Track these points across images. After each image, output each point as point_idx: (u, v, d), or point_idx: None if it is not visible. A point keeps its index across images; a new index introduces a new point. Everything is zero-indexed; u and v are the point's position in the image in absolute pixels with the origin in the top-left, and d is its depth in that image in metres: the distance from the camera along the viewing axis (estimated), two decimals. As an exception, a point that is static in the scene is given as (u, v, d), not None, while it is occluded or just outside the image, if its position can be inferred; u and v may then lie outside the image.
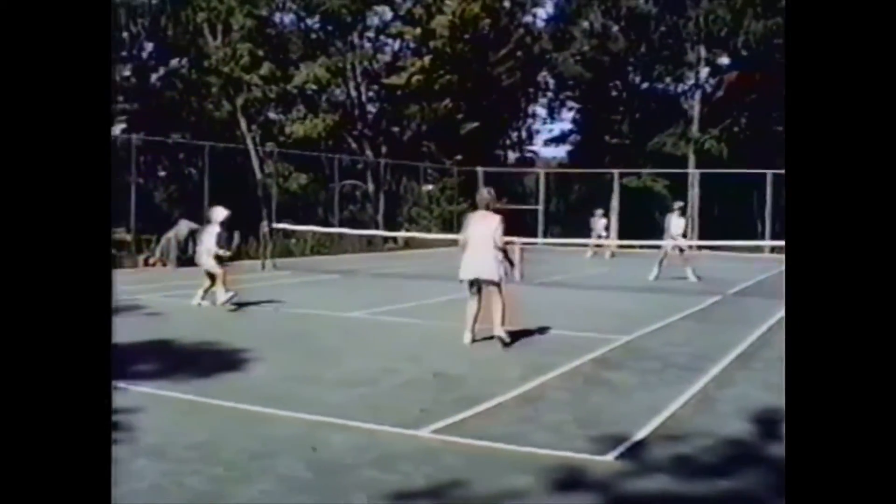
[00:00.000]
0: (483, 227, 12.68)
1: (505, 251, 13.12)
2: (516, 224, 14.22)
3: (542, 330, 14.04)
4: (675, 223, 24.74)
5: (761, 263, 31.97)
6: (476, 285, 12.78)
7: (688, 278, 23.74)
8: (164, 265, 28.01)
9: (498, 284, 12.72)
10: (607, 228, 37.97)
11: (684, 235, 25.47)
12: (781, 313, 16.85)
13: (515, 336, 12.94)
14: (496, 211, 13.00)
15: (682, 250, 24.73)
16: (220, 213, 17.12)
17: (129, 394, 8.82)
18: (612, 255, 35.30)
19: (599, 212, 36.80)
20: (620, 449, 7.19)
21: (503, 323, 12.67)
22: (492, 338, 12.74)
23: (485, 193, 13.35)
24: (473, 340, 12.67)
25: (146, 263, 28.32)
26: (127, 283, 20.06)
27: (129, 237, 30.14)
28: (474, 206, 13.71)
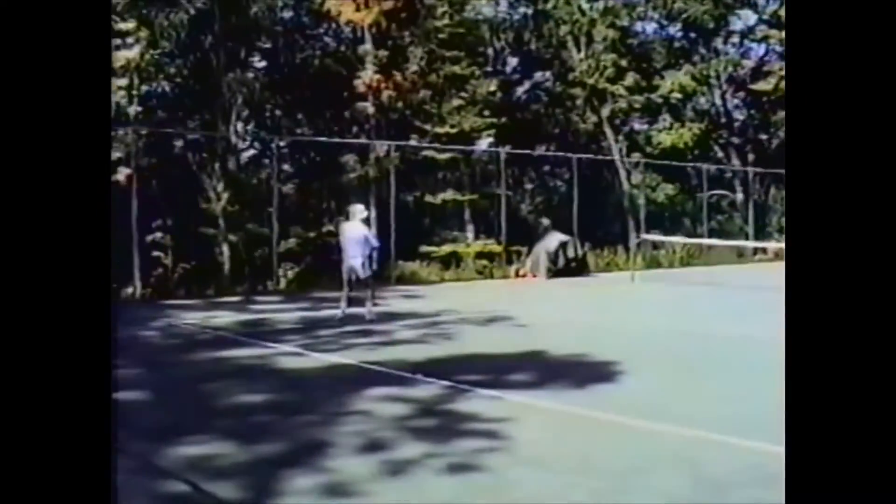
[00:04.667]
0: None
1: None
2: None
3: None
4: None
5: None
6: None
7: None
8: (535, 276, 28.42)
9: None
10: None
11: None
12: None
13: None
14: None
15: None
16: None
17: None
18: None
19: None
20: None
21: None
22: None
23: None
24: None
25: (517, 274, 28.84)
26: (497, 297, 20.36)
27: (499, 248, 30.81)
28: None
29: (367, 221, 17.53)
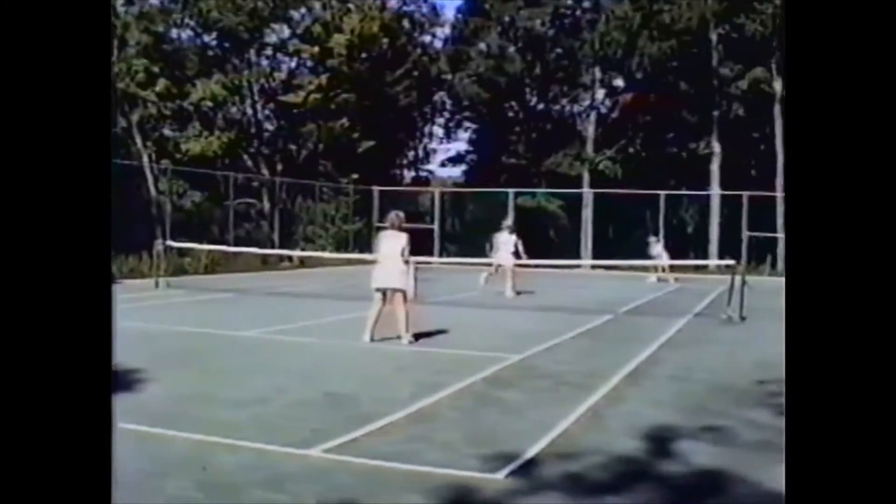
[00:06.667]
0: (393, 244, 14.69)
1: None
2: (411, 243, 14.87)
3: (434, 348, 14.16)
4: (505, 240, 26.84)
5: (654, 283, 32.51)
6: (383, 293, 14.63)
7: (505, 294, 25.33)
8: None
9: (403, 293, 14.69)
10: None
11: (517, 254, 26.68)
12: (672, 331, 17.15)
13: (409, 354, 13.27)
14: (402, 230, 14.79)
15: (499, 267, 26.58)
16: None
17: None
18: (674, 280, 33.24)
19: (654, 239, 35.02)
20: (511, 467, 7.25)
21: (407, 329, 14.50)
22: (384, 354, 13.53)
23: (394, 215, 15.48)
24: (372, 340, 14.50)
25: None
26: None
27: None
28: (369, 225, 14.55)
29: None
